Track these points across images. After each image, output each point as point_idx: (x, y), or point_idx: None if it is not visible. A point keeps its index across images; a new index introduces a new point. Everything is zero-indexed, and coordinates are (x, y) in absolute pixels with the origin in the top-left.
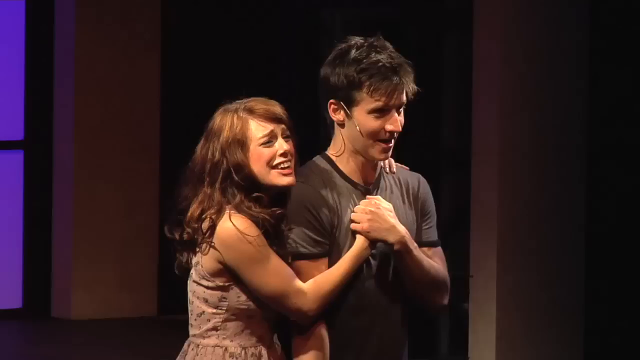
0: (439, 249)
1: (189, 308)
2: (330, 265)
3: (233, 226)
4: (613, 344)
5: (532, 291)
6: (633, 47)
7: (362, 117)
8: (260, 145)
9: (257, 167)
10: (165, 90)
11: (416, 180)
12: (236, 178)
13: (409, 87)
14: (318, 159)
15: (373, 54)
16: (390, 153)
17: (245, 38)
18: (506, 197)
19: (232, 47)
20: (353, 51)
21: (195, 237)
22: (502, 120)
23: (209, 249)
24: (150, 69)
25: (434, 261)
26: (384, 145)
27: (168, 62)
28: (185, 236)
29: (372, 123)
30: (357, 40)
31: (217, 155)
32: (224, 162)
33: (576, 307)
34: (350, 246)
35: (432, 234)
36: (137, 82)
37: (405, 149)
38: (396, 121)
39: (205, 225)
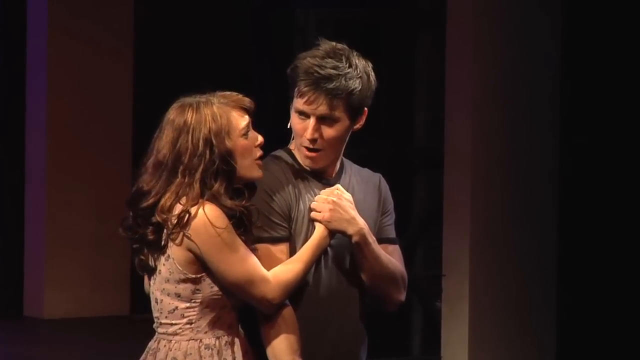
0: (397, 246)
1: (157, 307)
2: (290, 254)
3: (203, 213)
4: (585, 344)
5: (504, 290)
6: (606, 47)
7: (293, 114)
8: (241, 136)
9: (241, 157)
10: (138, 88)
11: (377, 179)
12: (224, 167)
13: (332, 101)
14: (280, 152)
15: (317, 58)
16: (317, 162)
17: (218, 36)
18: (479, 197)
19: (205, 44)
20: (309, 51)
21: (165, 229)
22: (474, 120)
23: (182, 238)
24: (123, 66)
25: (392, 258)
26: (305, 151)
27: (141, 60)
28: (150, 235)
29: (297, 124)
30: (324, 42)
31: (200, 146)
32: (207, 153)
33: (548, 306)
34: (309, 235)
35: (392, 232)
36: (110, 80)
37: (379, 148)
38: (309, 129)
39: (178, 215)
